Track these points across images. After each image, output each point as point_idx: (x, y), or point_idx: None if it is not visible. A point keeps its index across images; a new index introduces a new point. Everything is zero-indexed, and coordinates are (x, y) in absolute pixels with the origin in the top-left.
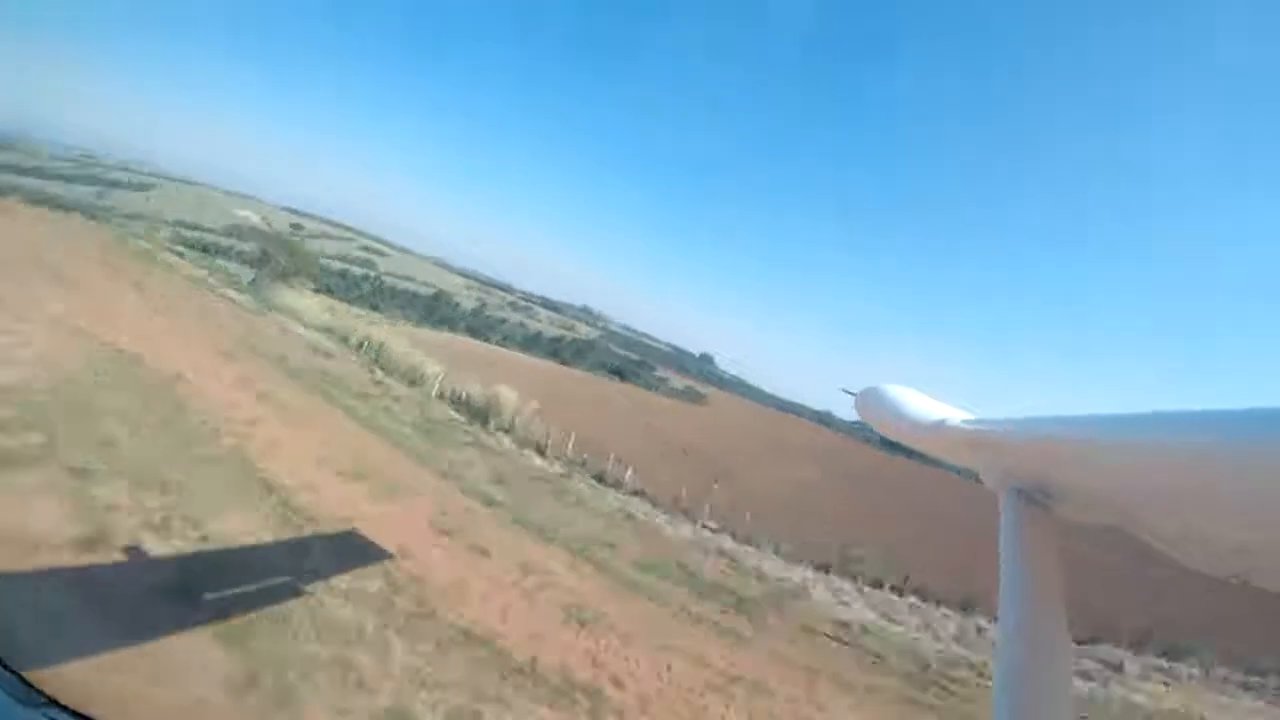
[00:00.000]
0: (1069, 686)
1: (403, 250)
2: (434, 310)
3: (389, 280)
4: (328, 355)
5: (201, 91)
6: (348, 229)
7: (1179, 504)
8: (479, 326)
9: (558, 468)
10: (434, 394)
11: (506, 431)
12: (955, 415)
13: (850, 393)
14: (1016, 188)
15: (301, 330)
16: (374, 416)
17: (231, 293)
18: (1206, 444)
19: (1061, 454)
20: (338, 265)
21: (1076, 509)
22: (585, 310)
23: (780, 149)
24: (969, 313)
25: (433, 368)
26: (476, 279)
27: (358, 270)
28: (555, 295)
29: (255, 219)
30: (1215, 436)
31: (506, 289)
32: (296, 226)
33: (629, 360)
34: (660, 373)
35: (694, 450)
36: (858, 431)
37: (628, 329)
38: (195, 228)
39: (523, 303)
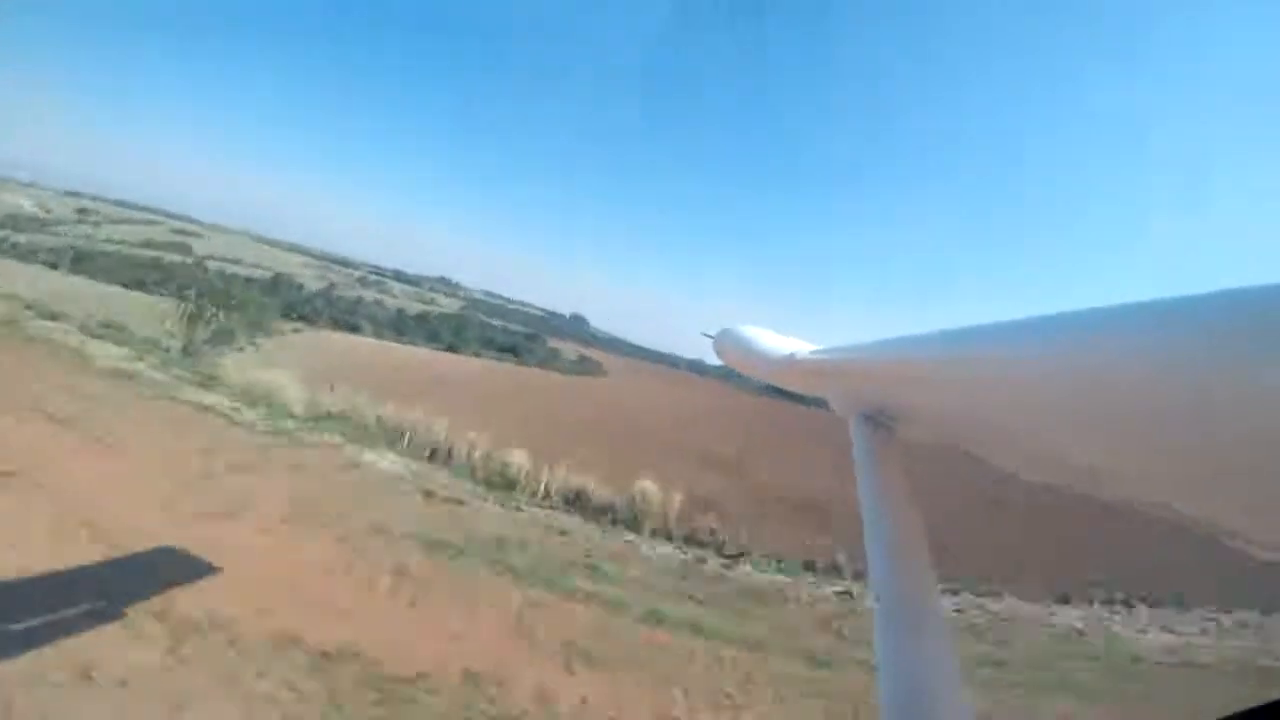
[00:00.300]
0: (938, 600)
1: (217, 229)
2: (275, 295)
3: (213, 265)
4: (456, 500)
5: None
6: (150, 210)
7: (1007, 413)
8: (341, 315)
9: (828, 590)
10: (535, 491)
11: (670, 538)
12: (803, 348)
13: (709, 336)
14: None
15: (369, 458)
16: (649, 607)
17: (193, 392)
18: (1024, 354)
19: (897, 375)
20: (148, 254)
21: (919, 430)
22: (443, 280)
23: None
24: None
25: (516, 456)
26: (312, 255)
27: (173, 258)
28: (406, 268)
29: (30, 206)
30: (1030, 346)
31: (351, 265)
32: (83, 212)
33: (518, 334)
34: (551, 344)
35: (717, 460)
36: (730, 378)
37: (490, 295)
38: None
39: (373, 278)
